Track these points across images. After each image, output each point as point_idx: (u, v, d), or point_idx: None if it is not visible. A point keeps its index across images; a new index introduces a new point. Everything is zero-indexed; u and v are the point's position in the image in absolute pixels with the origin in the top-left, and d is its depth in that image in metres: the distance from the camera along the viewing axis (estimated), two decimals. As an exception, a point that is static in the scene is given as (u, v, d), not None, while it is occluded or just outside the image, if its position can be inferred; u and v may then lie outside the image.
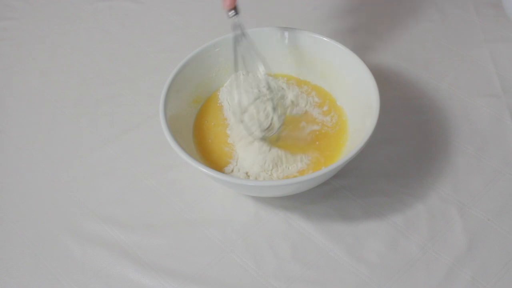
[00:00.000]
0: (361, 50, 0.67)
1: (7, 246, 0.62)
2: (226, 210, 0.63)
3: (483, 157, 0.66)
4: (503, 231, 0.59)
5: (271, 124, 0.63)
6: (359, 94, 0.65)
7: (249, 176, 0.61)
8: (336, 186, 0.64)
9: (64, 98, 0.77)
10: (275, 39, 0.70)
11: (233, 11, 0.62)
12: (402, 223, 0.60)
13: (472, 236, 0.59)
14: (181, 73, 0.65)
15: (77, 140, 0.71)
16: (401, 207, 0.62)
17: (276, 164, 0.61)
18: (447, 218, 0.61)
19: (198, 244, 0.60)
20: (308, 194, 0.63)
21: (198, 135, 0.66)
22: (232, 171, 0.62)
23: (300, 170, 0.62)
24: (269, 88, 0.65)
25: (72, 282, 0.58)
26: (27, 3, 0.92)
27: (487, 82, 0.74)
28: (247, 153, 0.62)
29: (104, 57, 0.82)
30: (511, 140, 0.67)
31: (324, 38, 0.68)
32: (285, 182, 0.56)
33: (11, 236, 0.62)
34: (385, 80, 0.74)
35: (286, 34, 0.69)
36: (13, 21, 0.89)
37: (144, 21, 0.88)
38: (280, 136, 0.64)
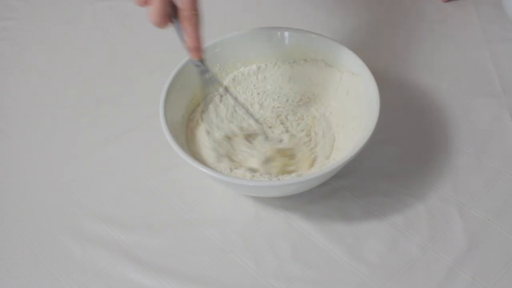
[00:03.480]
0: (361, 50, 0.67)
1: (7, 246, 0.62)
2: (226, 210, 0.63)
3: (483, 157, 0.66)
4: (503, 231, 0.59)
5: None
6: (359, 94, 0.65)
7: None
8: (336, 186, 0.64)
9: (64, 98, 0.77)
10: (275, 39, 0.69)
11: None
12: (402, 223, 0.60)
13: (472, 236, 0.59)
14: (181, 73, 0.65)
15: (77, 140, 0.71)
16: (401, 207, 0.62)
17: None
18: (447, 218, 0.61)
19: (198, 244, 0.60)
20: (308, 194, 0.63)
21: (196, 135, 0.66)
22: (231, 169, 0.62)
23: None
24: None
25: (72, 282, 0.58)
26: (27, 3, 0.92)
27: (487, 82, 0.74)
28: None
29: (104, 57, 0.82)
30: (511, 140, 0.67)
31: (324, 38, 0.68)
32: (285, 182, 0.56)
33: (11, 236, 0.62)
34: (385, 80, 0.73)
35: (286, 34, 0.69)
36: (13, 21, 0.89)
37: (144, 21, 0.87)
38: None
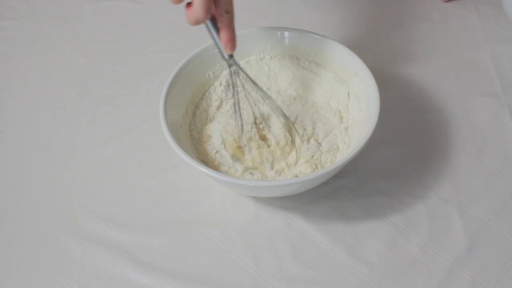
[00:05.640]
0: (361, 50, 0.67)
1: (7, 246, 0.62)
2: (226, 210, 0.63)
3: (483, 157, 0.66)
4: (503, 231, 0.59)
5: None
6: (359, 94, 0.65)
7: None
8: (336, 186, 0.64)
9: (64, 98, 0.77)
10: (275, 39, 0.70)
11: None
12: (402, 223, 0.60)
13: (472, 236, 0.59)
14: (181, 73, 0.65)
15: (77, 140, 0.71)
16: (401, 207, 0.62)
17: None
18: (447, 218, 0.61)
19: (198, 244, 0.60)
20: (308, 194, 0.63)
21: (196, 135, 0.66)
22: (230, 169, 0.62)
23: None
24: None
25: (72, 282, 0.58)
26: (27, 3, 0.92)
27: (487, 82, 0.74)
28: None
29: (104, 57, 0.82)
30: (511, 140, 0.67)
31: (324, 38, 0.68)
32: (285, 182, 0.56)
33: (11, 236, 0.62)
34: (385, 80, 0.74)
35: (286, 34, 0.69)
36: (13, 21, 0.89)
37: (144, 21, 0.88)
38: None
